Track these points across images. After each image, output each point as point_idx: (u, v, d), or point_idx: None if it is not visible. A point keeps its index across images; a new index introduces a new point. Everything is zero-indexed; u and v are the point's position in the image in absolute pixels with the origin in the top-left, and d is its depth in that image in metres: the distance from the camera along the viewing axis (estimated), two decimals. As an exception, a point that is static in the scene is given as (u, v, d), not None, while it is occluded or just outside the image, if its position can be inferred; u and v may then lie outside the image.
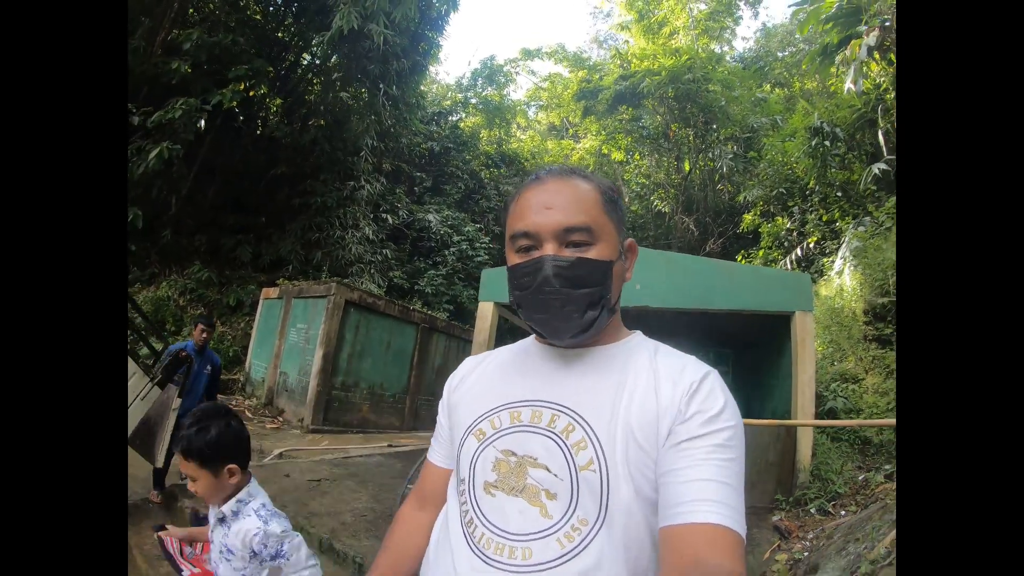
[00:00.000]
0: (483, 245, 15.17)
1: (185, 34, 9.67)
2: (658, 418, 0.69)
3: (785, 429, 4.06)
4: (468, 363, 0.93)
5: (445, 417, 0.89)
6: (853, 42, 6.99)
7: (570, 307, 0.72)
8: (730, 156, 12.43)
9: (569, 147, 19.97)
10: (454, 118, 18.25)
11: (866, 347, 5.39)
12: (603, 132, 16.01)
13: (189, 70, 9.45)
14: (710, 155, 13.00)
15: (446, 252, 14.81)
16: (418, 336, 9.58)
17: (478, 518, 0.72)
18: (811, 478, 3.93)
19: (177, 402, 3.01)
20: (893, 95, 7.36)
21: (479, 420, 0.78)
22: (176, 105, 9.08)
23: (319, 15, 10.76)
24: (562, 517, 0.67)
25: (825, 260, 8.00)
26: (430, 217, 15.27)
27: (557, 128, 22.11)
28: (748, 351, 6.06)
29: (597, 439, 0.69)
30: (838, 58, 7.48)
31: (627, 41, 19.63)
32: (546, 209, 0.74)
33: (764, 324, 4.87)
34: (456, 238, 15.18)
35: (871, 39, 6.65)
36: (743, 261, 10.72)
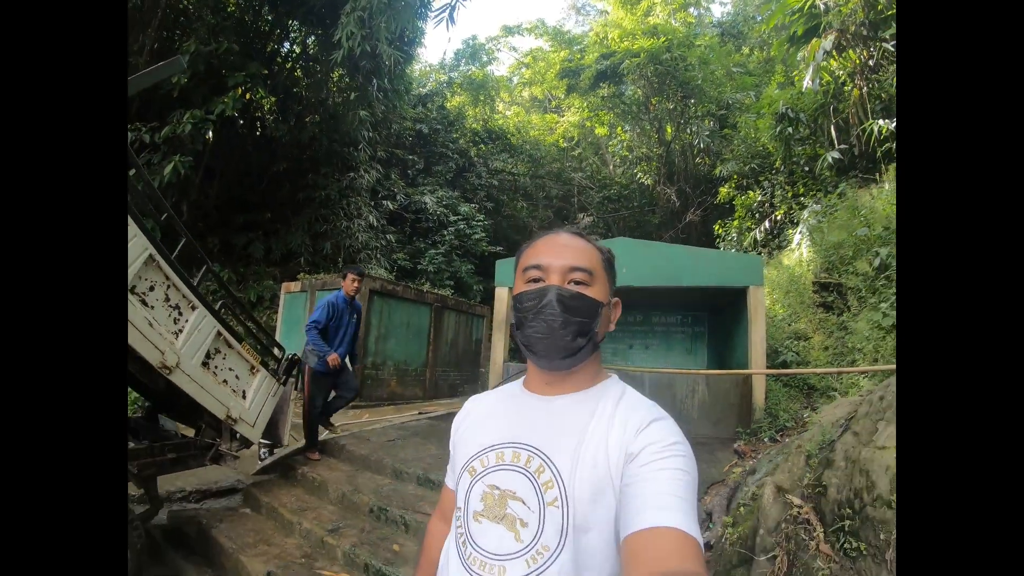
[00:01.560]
0: (479, 223, 15.84)
1: (184, 47, 9.89)
2: (608, 458, 0.79)
3: (743, 377, 5.29)
4: (469, 404, 1.06)
5: (452, 449, 1.02)
6: (813, 42, 7.84)
7: (565, 331, 0.83)
8: (707, 132, 13.28)
9: (553, 121, 20.49)
10: (440, 99, 18.60)
11: (815, 311, 6.57)
12: (587, 109, 16.65)
13: (186, 81, 9.62)
14: (688, 130, 13.85)
15: (444, 232, 15.47)
16: (432, 315, 10.44)
17: (469, 540, 0.85)
18: (764, 415, 5.14)
19: (294, 393, 4.06)
20: (850, 87, 8.28)
21: (472, 459, 0.90)
22: (184, 119, 9.48)
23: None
24: (530, 542, 0.79)
25: (790, 231, 9.05)
26: (426, 199, 15.89)
27: (540, 101, 22.53)
28: (717, 315, 7.25)
29: (561, 479, 0.80)
30: (800, 54, 8.34)
31: (604, 12, 19.95)
32: (558, 251, 0.89)
33: (726, 295, 6.02)
34: (453, 218, 15.81)
35: (827, 43, 7.52)
36: (720, 230, 11.76)
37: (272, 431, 3.89)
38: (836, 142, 8.51)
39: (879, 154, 7.38)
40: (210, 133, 10.02)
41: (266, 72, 12.03)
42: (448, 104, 18.74)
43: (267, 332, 4.06)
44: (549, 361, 0.87)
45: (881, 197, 6.73)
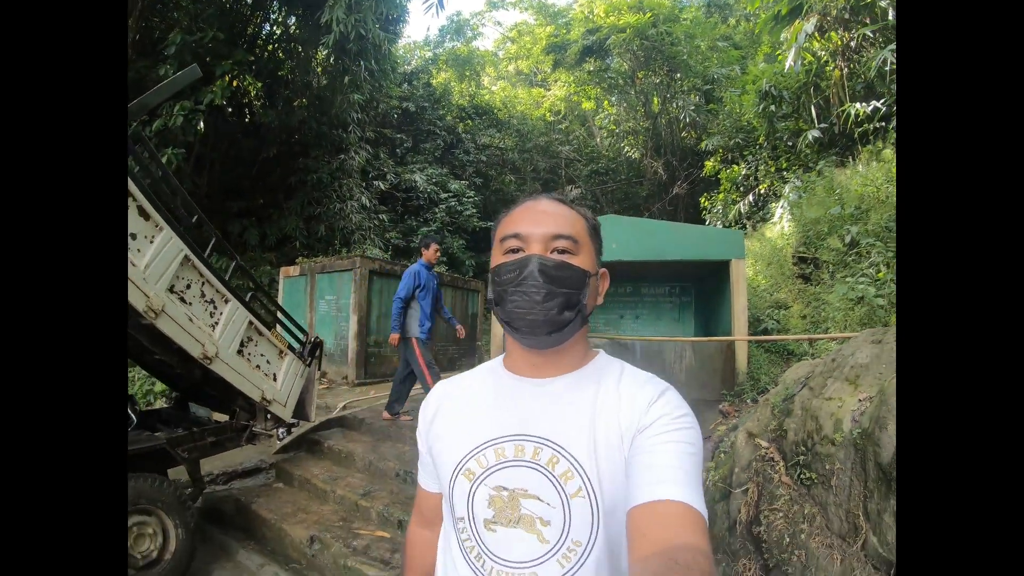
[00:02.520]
0: (470, 199, 16.05)
1: (170, 38, 9.82)
2: (622, 439, 0.75)
3: (727, 344, 5.74)
4: (437, 392, 0.94)
5: (426, 449, 0.92)
6: (796, 24, 8.04)
7: (550, 303, 0.76)
8: (693, 107, 13.48)
9: (540, 95, 20.44)
10: (425, 76, 18.45)
11: (794, 282, 7.01)
12: (574, 83, 16.69)
13: (173, 71, 9.44)
14: (675, 104, 14.03)
15: (436, 209, 15.71)
16: None
17: (485, 553, 0.77)
18: (746, 378, 5.59)
19: (317, 374, 4.40)
20: (831, 68, 8.51)
21: (466, 459, 0.81)
22: (175, 111, 9.50)
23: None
24: (558, 541, 0.74)
25: (773, 204, 9.41)
26: (416, 177, 16.01)
27: (526, 75, 22.40)
28: (702, 286, 7.67)
29: (582, 468, 0.74)
30: (783, 34, 8.53)
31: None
32: (538, 218, 0.81)
33: (711, 268, 6.42)
34: (444, 195, 15.99)
35: (809, 26, 7.72)
36: (706, 203, 12.09)
37: (300, 410, 4.24)
38: (817, 120, 8.81)
39: (856, 135, 7.71)
40: (201, 124, 9.99)
41: (252, 58, 11.93)
42: (434, 81, 18.62)
43: (291, 318, 4.35)
44: (534, 338, 0.80)
45: (855, 178, 7.10)
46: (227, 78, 10.66)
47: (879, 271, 5.48)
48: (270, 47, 13.35)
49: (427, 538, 0.96)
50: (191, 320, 3.22)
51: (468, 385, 0.92)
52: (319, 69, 13.26)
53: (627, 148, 16.14)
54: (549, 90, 20.01)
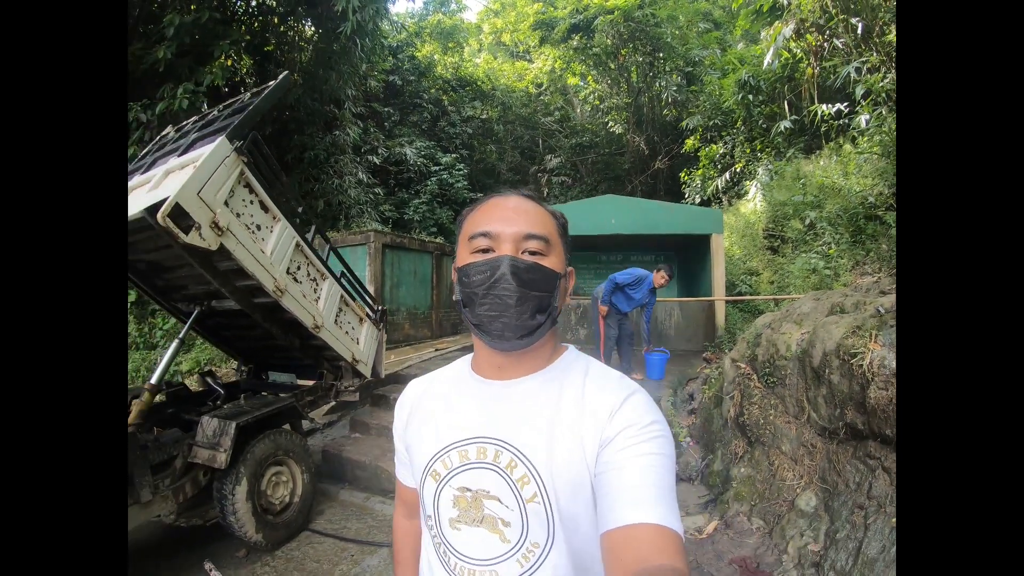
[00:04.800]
0: (460, 172, 16.61)
1: (168, 19, 9.85)
2: (584, 450, 0.73)
3: (708, 303, 6.96)
4: (411, 390, 0.96)
5: (403, 448, 0.93)
6: (776, 25, 8.98)
7: (522, 307, 0.75)
8: (675, 88, 14.34)
9: (523, 68, 20.85)
10: (411, 49, 18.54)
11: (764, 253, 8.23)
12: (560, 59, 17.23)
13: (172, 56, 9.74)
14: (657, 84, 14.82)
15: (428, 182, 16.21)
16: (433, 262, 11.41)
17: (450, 550, 0.79)
18: (724, 332, 6.81)
19: (384, 336, 5.28)
20: (805, 64, 9.50)
21: (433, 461, 0.82)
22: (178, 93, 9.65)
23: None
24: (517, 541, 0.75)
25: (747, 183, 10.54)
26: (406, 151, 16.43)
27: (507, 47, 22.58)
28: (687, 254, 8.83)
29: (538, 473, 0.74)
30: (763, 33, 9.47)
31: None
32: (508, 216, 0.79)
33: (694, 240, 7.55)
34: (434, 168, 16.48)
35: (787, 30, 8.71)
36: (685, 177, 13.16)
37: (374, 369, 5.03)
38: (789, 112, 9.91)
39: (821, 130, 8.85)
40: (205, 105, 10.23)
41: (248, 38, 12.01)
42: (418, 54, 18.78)
43: (366, 290, 5.09)
44: (504, 342, 0.78)
45: (817, 171, 8.28)
46: (223, 58, 10.78)
47: (830, 248, 6.70)
48: (256, 24, 13.33)
49: (410, 527, 1.01)
50: (303, 296, 4.04)
51: (440, 384, 0.93)
52: (306, 46, 13.39)
53: (610, 123, 16.91)
54: (533, 63, 20.39)
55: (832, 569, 2.47)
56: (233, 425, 3.33)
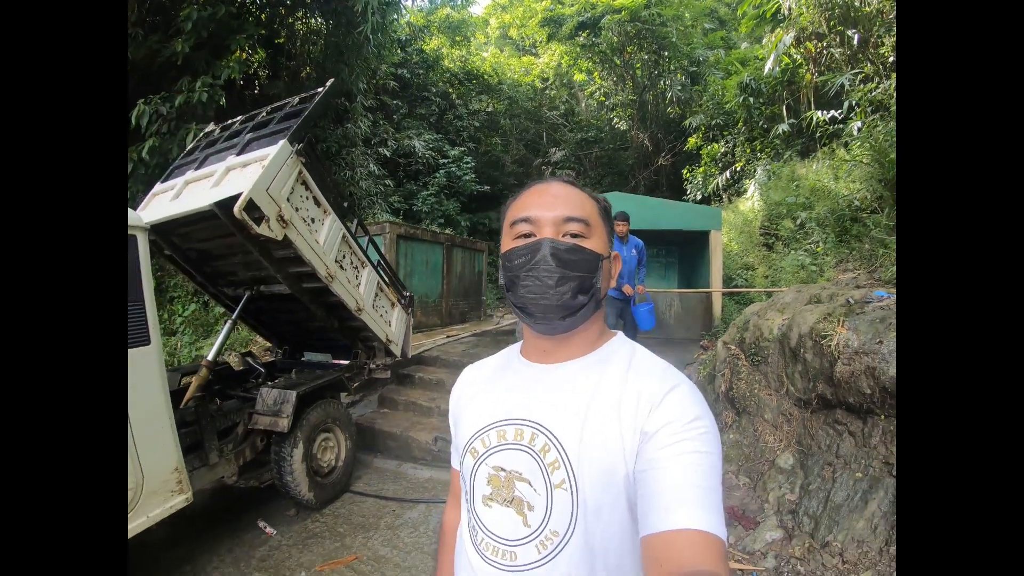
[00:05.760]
0: (468, 165, 16.89)
1: (185, 13, 9.84)
2: (622, 441, 0.72)
3: (706, 295, 7.50)
4: (467, 373, 1.00)
5: (454, 428, 0.94)
6: (777, 33, 9.43)
7: (563, 287, 0.76)
8: (679, 87, 14.75)
9: (530, 62, 21.15)
10: (419, 42, 18.78)
11: (760, 249, 8.76)
12: (567, 56, 17.57)
13: (189, 49, 9.78)
14: (662, 82, 15.23)
15: (436, 174, 16.51)
16: (444, 253, 11.81)
17: (479, 526, 0.81)
18: (720, 321, 7.35)
19: (411, 320, 5.79)
20: (804, 70, 9.96)
21: (473, 439, 0.85)
22: (197, 87, 9.63)
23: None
24: (538, 527, 0.75)
25: (747, 182, 11.02)
26: (415, 143, 16.73)
27: (514, 40, 22.81)
28: (685, 250, 9.37)
29: (568, 460, 0.74)
30: (766, 39, 9.92)
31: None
32: (549, 201, 0.80)
33: (694, 236, 8.07)
34: (443, 160, 16.77)
35: (788, 38, 9.16)
36: (687, 175, 13.63)
37: (403, 349, 5.47)
38: (788, 116, 10.39)
39: (816, 135, 9.35)
40: (224, 99, 10.48)
41: (263, 32, 12.25)
42: (426, 47, 18.98)
43: (398, 278, 5.58)
44: (547, 324, 0.79)
45: (810, 174, 8.79)
46: (239, 52, 11.04)
47: (818, 246, 7.25)
48: (263, 16, 13.45)
49: (455, 522, 0.99)
50: (348, 282, 4.53)
51: (491, 367, 0.96)
52: (312, 37, 13.59)
53: (615, 119, 17.30)
54: (539, 57, 20.69)
55: (805, 514, 3.01)
56: (294, 394, 3.83)
